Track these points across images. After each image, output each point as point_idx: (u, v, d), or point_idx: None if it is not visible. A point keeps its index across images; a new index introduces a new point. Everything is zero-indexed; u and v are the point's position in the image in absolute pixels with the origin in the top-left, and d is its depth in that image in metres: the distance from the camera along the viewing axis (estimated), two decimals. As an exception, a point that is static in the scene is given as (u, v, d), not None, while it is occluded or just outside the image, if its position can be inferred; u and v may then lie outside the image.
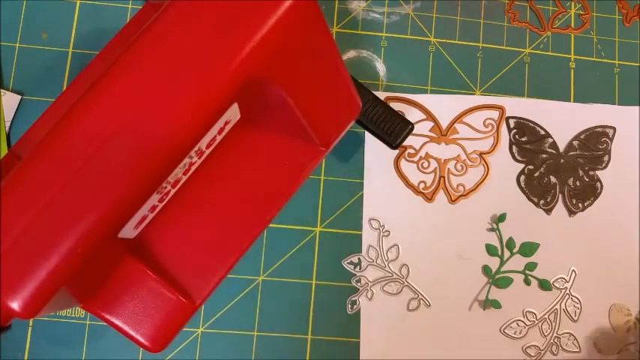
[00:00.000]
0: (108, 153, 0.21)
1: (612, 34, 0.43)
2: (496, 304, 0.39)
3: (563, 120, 0.41)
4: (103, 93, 0.21)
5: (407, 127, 0.36)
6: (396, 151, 0.40)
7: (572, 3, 0.43)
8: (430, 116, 0.40)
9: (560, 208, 0.40)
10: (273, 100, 0.25)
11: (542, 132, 0.41)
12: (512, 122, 0.41)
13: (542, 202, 0.40)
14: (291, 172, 0.32)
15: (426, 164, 0.40)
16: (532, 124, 0.41)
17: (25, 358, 0.36)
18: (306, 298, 0.38)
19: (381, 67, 0.41)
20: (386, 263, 0.38)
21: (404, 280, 0.38)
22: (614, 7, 0.43)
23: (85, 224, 0.20)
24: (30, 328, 0.36)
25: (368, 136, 0.39)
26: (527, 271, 0.39)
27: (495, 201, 0.40)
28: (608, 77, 0.42)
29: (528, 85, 0.41)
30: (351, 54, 0.41)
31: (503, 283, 0.39)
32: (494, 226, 0.39)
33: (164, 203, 0.27)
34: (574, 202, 0.40)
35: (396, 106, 0.40)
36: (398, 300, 0.38)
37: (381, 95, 0.40)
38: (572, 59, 0.42)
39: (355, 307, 0.38)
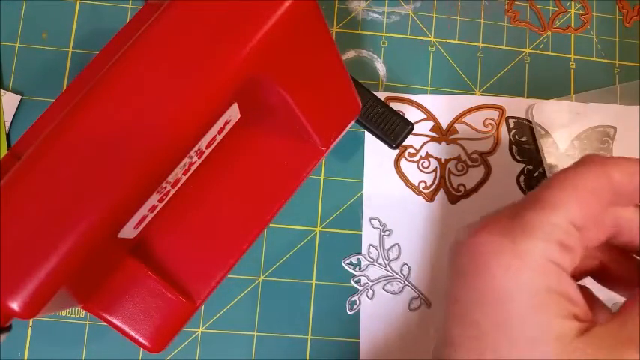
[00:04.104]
0: (108, 153, 0.21)
1: (612, 34, 0.43)
2: (496, 304, 0.38)
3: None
4: (103, 93, 0.21)
5: (407, 127, 0.36)
6: (396, 151, 0.40)
7: (572, 3, 0.43)
8: (430, 116, 0.40)
9: (560, 208, 0.40)
10: (273, 99, 0.25)
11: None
12: (512, 122, 0.41)
13: (542, 202, 0.40)
14: (291, 172, 0.32)
15: (426, 164, 0.40)
16: (532, 124, 0.41)
17: (25, 358, 0.36)
18: (306, 298, 0.38)
19: (381, 67, 0.41)
20: (387, 262, 0.38)
21: (405, 279, 0.38)
22: (614, 7, 0.43)
23: (84, 224, 0.20)
24: (30, 328, 0.36)
25: (368, 136, 0.39)
26: (527, 271, 0.39)
27: (495, 201, 0.40)
28: (608, 77, 0.42)
29: (528, 85, 0.41)
30: (351, 54, 0.41)
31: (503, 283, 0.39)
32: (495, 226, 0.39)
33: (164, 203, 0.27)
34: (574, 202, 0.40)
35: (396, 106, 0.40)
36: (399, 299, 0.38)
37: (381, 95, 0.40)
38: (572, 59, 0.42)
39: (355, 307, 0.38)
